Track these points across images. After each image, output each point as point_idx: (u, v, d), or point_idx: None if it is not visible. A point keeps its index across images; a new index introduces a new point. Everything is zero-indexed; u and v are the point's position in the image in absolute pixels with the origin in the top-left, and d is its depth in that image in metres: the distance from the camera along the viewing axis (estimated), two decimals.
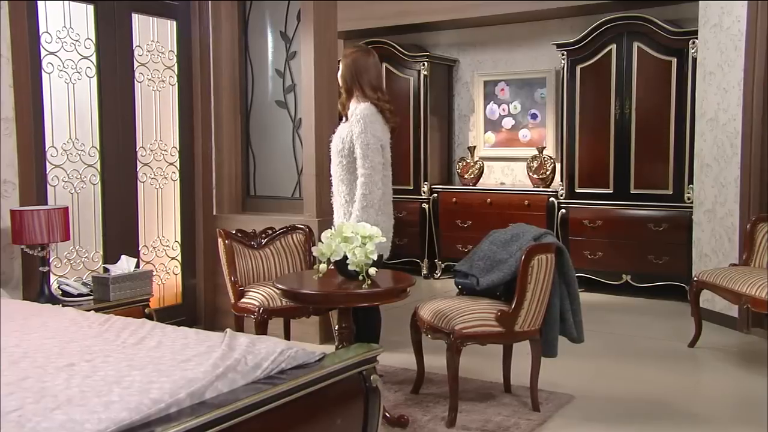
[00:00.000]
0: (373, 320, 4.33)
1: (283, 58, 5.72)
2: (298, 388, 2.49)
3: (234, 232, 4.79)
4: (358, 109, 4.17)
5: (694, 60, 6.40)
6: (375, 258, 3.69)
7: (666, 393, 4.36)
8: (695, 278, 5.26)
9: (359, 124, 4.11)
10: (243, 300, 4.53)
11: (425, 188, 8.06)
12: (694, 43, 6.40)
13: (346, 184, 4.25)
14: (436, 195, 8.04)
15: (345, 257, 3.67)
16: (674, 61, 6.63)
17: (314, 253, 3.77)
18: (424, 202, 8.06)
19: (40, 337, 2.81)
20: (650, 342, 5.49)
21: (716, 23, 5.85)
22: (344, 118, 4.37)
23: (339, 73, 4.35)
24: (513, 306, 3.84)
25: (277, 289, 3.88)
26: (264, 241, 4.93)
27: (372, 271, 3.66)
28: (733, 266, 5.23)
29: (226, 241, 4.66)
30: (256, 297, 4.48)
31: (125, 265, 4.56)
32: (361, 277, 3.66)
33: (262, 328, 4.36)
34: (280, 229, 5.00)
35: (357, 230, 3.72)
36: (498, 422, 3.87)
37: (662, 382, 4.55)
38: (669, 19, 6.76)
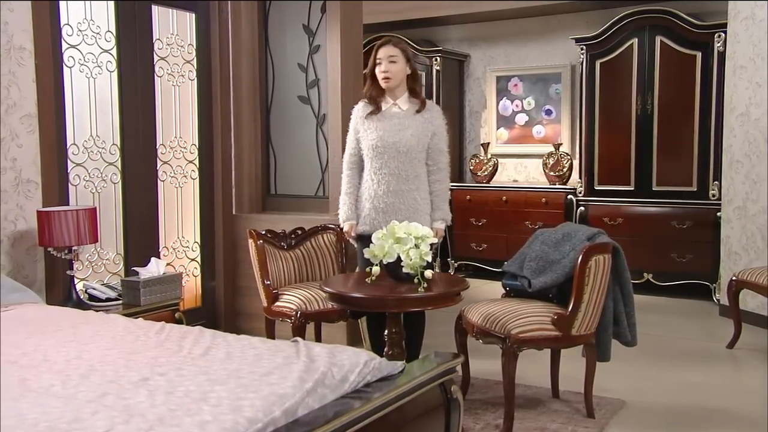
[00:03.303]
0: (419, 324, 4.16)
1: (306, 52, 5.52)
2: (389, 402, 2.33)
3: (264, 232, 4.59)
4: (435, 106, 4.23)
5: (720, 54, 6.29)
6: (429, 260, 3.54)
7: (718, 397, 4.22)
8: (734, 277, 5.13)
9: (444, 121, 4.21)
10: (277, 303, 4.34)
11: None
12: (720, 36, 6.29)
13: (422, 180, 4.19)
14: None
15: (398, 259, 3.52)
16: (699, 55, 6.50)
17: (366, 255, 3.60)
18: None
19: (99, 348, 2.61)
20: (686, 343, 5.37)
21: (748, 15, 5.72)
22: (385, 103, 4.12)
23: (408, 58, 4.09)
24: (570, 309, 3.68)
25: (325, 292, 3.72)
26: (294, 242, 4.73)
27: (428, 273, 3.51)
28: None
29: (258, 242, 4.45)
30: (292, 300, 4.28)
31: (155, 268, 4.35)
32: (416, 280, 3.50)
33: (299, 333, 4.17)
34: (310, 229, 4.79)
35: (410, 231, 3.56)
36: (554, 429, 3.72)
37: (712, 386, 4.42)
38: (692, 13, 6.63)
